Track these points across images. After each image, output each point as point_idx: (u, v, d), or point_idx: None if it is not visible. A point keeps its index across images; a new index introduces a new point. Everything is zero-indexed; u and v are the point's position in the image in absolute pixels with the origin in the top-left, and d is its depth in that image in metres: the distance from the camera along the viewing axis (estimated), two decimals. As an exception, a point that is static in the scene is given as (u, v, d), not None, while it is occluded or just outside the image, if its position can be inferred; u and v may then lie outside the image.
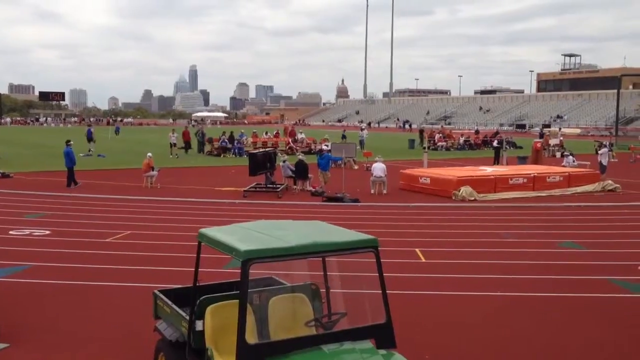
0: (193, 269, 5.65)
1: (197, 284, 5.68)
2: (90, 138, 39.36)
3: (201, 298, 5.53)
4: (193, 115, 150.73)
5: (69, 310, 8.67)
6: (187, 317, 5.50)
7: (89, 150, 37.75)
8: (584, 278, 10.50)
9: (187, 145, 38.96)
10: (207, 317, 5.34)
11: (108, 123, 79.34)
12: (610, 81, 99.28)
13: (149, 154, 23.40)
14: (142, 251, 12.18)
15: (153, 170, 22.57)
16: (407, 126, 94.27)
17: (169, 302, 6.01)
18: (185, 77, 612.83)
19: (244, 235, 5.13)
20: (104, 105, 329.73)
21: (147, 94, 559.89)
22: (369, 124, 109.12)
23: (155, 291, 6.43)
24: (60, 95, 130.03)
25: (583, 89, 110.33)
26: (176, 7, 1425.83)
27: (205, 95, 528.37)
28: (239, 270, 4.55)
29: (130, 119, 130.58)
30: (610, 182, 22.99)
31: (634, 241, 13.67)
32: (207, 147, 39.62)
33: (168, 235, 13.78)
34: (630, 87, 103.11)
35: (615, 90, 66.41)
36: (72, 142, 23.23)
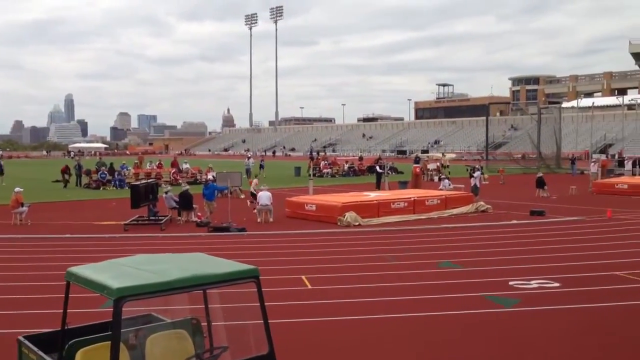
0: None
1: (66, 327, 5.29)
2: None
3: (70, 342, 5.14)
4: (70, 146, 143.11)
5: None
6: None
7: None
8: (461, 296, 10.98)
9: (65, 179, 37.21)
10: None
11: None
12: (480, 109, 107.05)
13: (17, 188, 21.78)
14: (6, 294, 11.20)
15: (22, 207, 21.03)
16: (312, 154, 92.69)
17: (35, 349, 5.53)
18: (60, 107, 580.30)
19: (117, 272, 4.85)
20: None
21: (18, 124, 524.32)
22: (274, 152, 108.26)
23: (20, 337, 5.91)
24: None
25: (456, 116, 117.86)
26: (49, 34, 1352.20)
27: (83, 125, 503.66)
28: None
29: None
30: (482, 203, 24.50)
31: (505, 258, 14.57)
32: (85, 180, 37.69)
33: (36, 276, 12.81)
34: (498, 114, 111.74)
35: (484, 117, 71.40)
36: None
